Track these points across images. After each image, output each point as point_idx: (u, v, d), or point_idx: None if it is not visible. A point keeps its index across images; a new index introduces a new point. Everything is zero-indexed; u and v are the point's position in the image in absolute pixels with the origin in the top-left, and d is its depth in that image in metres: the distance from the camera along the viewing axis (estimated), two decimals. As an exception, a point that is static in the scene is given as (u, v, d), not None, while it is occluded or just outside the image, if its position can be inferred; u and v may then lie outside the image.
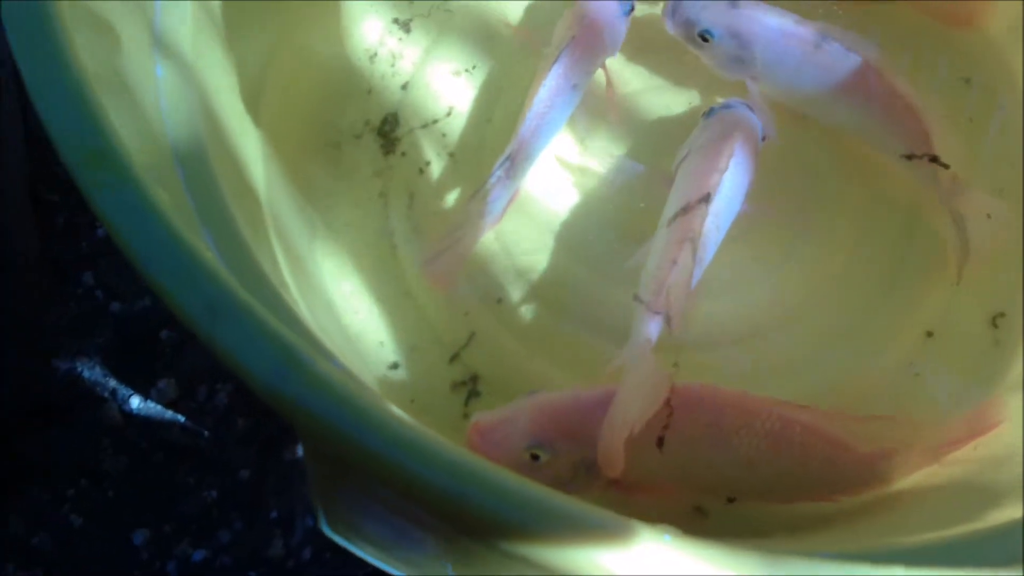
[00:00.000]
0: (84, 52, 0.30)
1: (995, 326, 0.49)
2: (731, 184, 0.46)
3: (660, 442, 0.41)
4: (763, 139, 0.49)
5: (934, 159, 0.49)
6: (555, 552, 0.23)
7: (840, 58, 0.50)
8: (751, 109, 0.50)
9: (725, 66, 0.52)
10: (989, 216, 0.48)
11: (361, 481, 0.28)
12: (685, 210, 0.45)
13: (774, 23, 0.51)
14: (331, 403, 0.25)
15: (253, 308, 0.26)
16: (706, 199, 0.45)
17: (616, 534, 0.23)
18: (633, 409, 0.40)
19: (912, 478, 0.44)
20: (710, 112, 0.50)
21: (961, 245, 0.49)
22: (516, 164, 0.49)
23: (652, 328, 0.43)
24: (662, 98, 0.55)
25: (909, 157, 0.49)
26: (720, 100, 0.51)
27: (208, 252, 0.28)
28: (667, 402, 0.42)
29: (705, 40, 0.51)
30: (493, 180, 0.49)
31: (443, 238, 0.49)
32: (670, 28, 0.52)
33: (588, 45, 0.51)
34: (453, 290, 0.50)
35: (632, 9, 0.53)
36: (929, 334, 0.49)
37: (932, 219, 0.51)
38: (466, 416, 0.48)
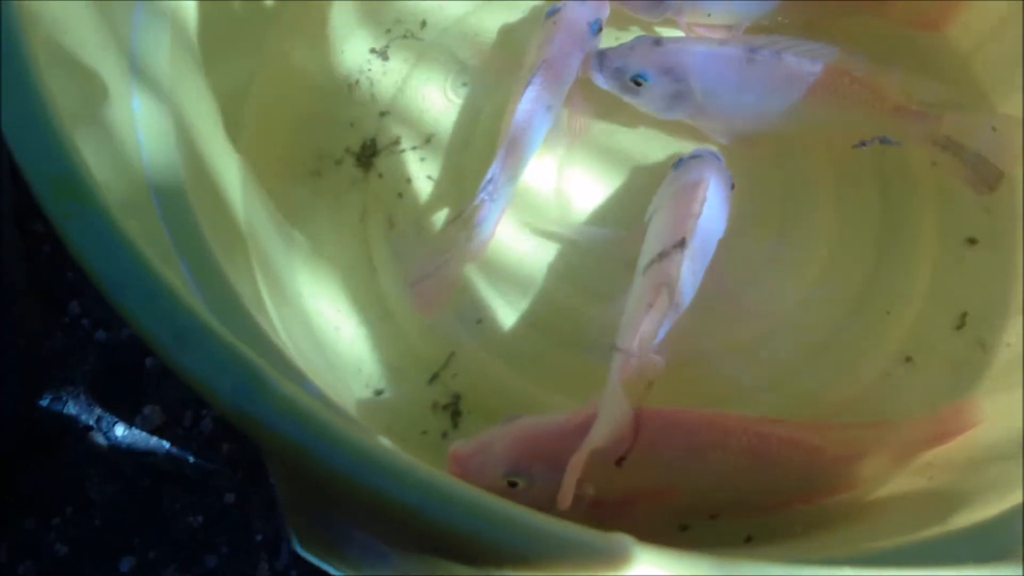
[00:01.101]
0: (56, 86, 0.31)
1: (962, 325, 0.50)
2: (705, 229, 0.47)
3: (619, 462, 0.42)
4: (732, 187, 0.50)
5: (884, 140, 0.49)
6: (506, 558, 0.24)
7: (774, 62, 0.50)
8: (719, 158, 0.50)
9: (666, 106, 0.52)
10: (995, 128, 0.49)
11: (328, 499, 0.29)
12: (661, 256, 0.46)
13: (701, 49, 0.51)
14: (296, 423, 0.25)
15: (217, 332, 0.26)
16: (681, 244, 0.45)
17: (571, 543, 0.24)
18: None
19: (891, 485, 0.44)
20: (679, 163, 0.50)
21: (980, 170, 0.49)
22: (499, 187, 0.50)
23: (627, 375, 0.43)
24: (638, 135, 0.56)
25: (862, 144, 0.50)
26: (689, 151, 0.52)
27: (176, 279, 0.29)
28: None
29: (639, 84, 0.51)
30: (476, 203, 0.49)
31: (428, 262, 0.50)
32: (600, 82, 0.52)
33: (559, 66, 0.52)
34: (439, 315, 0.50)
35: (601, 28, 0.54)
36: (906, 343, 0.50)
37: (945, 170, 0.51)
38: (445, 436, 0.48)
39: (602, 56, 0.52)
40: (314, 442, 0.25)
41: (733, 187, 0.50)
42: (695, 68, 0.51)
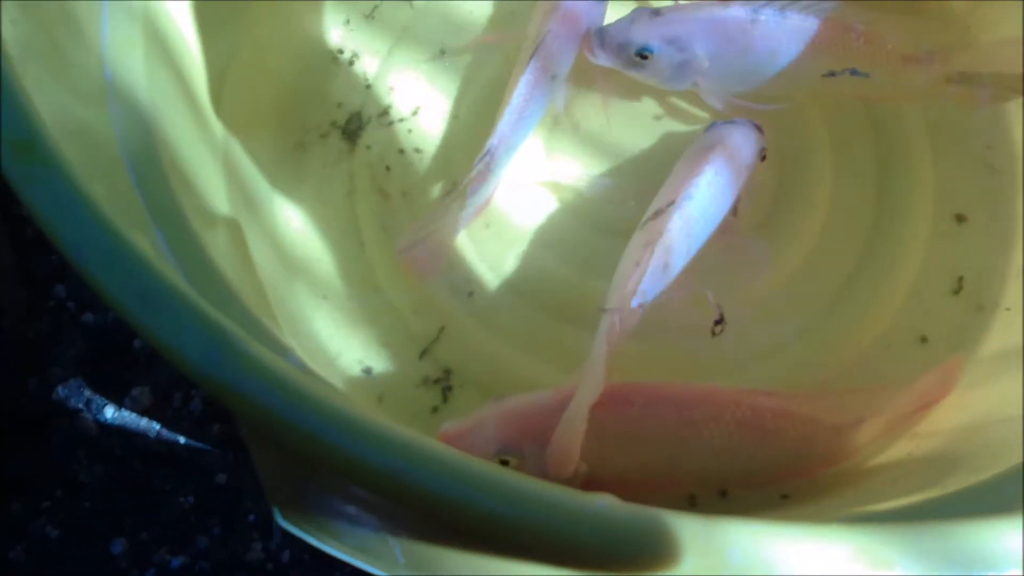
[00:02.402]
0: (21, 56, 0.30)
1: (959, 290, 0.49)
2: (707, 192, 0.45)
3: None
4: (764, 157, 0.48)
5: (854, 72, 0.49)
6: (488, 519, 0.23)
7: (779, 21, 0.49)
8: (756, 128, 0.49)
9: (673, 77, 0.51)
10: (1000, 46, 0.48)
11: (304, 467, 0.28)
12: (655, 215, 0.45)
13: (703, 15, 0.50)
14: (263, 383, 0.25)
15: (183, 292, 0.25)
16: (675, 204, 0.45)
17: (551, 502, 0.23)
18: (584, 416, 0.39)
19: (887, 452, 0.43)
20: (708, 127, 0.49)
21: (1005, 83, 0.48)
22: (496, 157, 0.49)
23: (613, 336, 0.43)
24: (638, 103, 0.54)
25: (832, 74, 0.49)
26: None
27: (145, 243, 0.28)
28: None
29: (644, 57, 0.50)
30: (473, 174, 0.48)
31: (421, 228, 0.49)
32: (602, 60, 0.51)
33: (566, 35, 0.51)
34: (431, 279, 0.49)
35: None
36: (903, 310, 0.49)
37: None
38: (436, 410, 0.48)
39: (603, 34, 0.50)
40: (282, 403, 0.24)
41: (764, 158, 0.48)
42: (700, 35, 0.49)
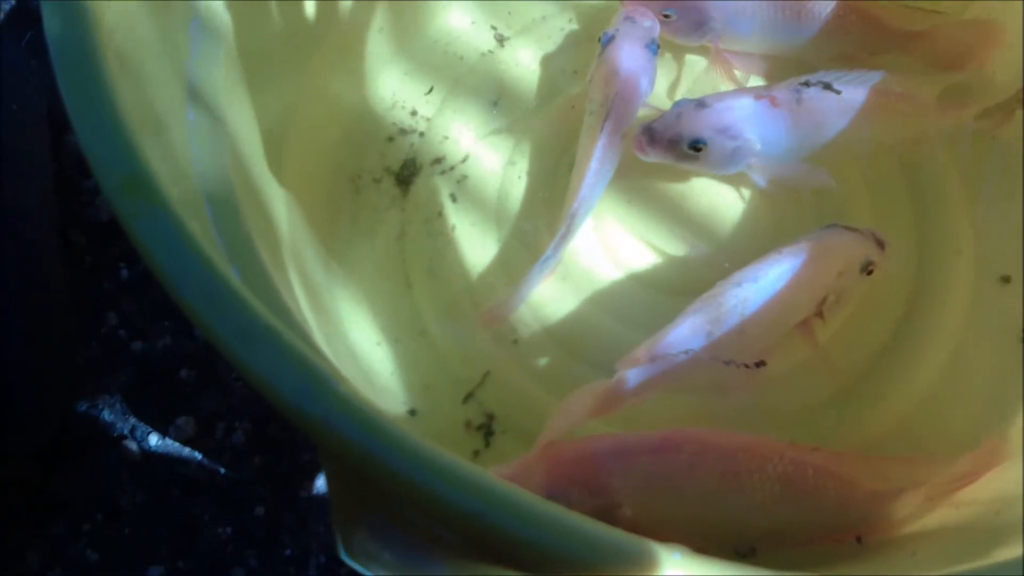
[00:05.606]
0: (123, 93, 0.32)
1: (1000, 357, 0.49)
2: (775, 282, 0.46)
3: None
4: (870, 272, 0.48)
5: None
6: (563, 564, 0.24)
7: (823, 95, 0.51)
8: (876, 242, 0.48)
9: (726, 164, 0.52)
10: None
11: (381, 504, 0.29)
12: (719, 286, 0.46)
13: (749, 100, 0.51)
14: (355, 422, 0.26)
15: (281, 332, 0.27)
16: (738, 282, 0.46)
17: (631, 552, 0.24)
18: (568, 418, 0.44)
19: (923, 520, 0.44)
20: (829, 225, 0.49)
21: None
22: (577, 220, 0.50)
23: (630, 375, 0.45)
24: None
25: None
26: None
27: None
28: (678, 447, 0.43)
29: (698, 150, 0.50)
30: (558, 238, 0.50)
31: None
32: (653, 156, 0.51)
33: (630, 96, 0.52)
34: (496, 325, 0.51)
35: (658, 47, 0.54)
36: (943, 374, 0.50)
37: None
38: (477, 454, 0.48)
39: (651, 131, 0.51)
40: (376, 444, 0.25)
41: (870, 272, 0.48)
42: (749, 120, 0.51)
